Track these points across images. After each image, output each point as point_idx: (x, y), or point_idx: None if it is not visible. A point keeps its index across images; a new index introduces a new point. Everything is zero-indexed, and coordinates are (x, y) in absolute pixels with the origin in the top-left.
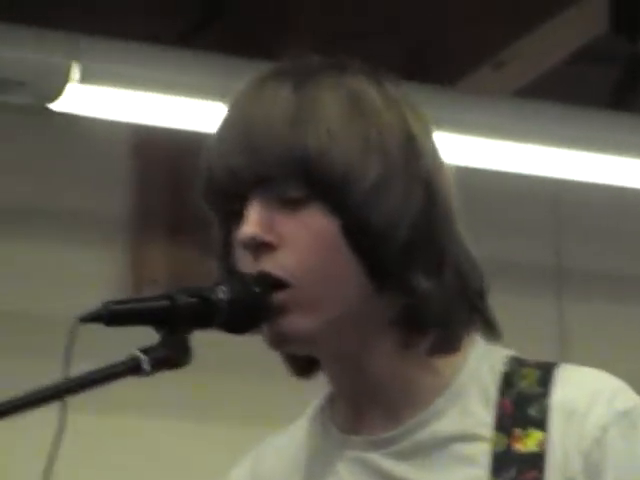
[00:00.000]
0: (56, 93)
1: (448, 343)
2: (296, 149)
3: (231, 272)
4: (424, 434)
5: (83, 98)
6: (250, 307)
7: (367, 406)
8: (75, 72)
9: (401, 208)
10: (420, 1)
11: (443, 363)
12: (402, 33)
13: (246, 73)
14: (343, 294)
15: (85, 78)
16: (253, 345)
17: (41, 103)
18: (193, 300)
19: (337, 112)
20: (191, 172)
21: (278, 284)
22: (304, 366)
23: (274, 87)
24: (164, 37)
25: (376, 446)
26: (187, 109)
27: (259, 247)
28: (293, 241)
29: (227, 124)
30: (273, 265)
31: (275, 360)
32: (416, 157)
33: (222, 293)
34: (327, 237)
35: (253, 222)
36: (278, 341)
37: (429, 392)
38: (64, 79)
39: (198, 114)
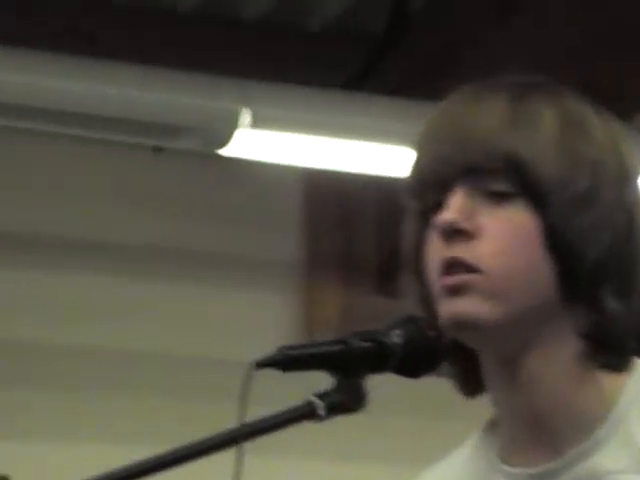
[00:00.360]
0: (226, 138)
1: (620, 364)
2: (509, 145)
3: (418, 271)
4: (585, 466)
5: (253, 143)
6: (424, 351)
7: (527, 431)
8: (245, 117)
9: (603, 225)
10: (595, 35)
11: (608, 383)
12: (577, 67)
13: (413, 115)
14: (530, 291)
15: (255, 123)
16: (428, 386)
17: (211, 148)
18: (367, 344)
19: (553, 122)
20: (361, 214)
21: (469, 269)
22: (471, 383)
23: (490, 95)
24: (331, 82)
25: (536, 479)
26: (356, 152)
27: (455, 233)
28: (491, 233)
29: (438, 119)
30: (466, 252)
31: (449, 400)
32: (624, 183)
33: (396, 337)
34: (526, 234)
35: (454, 208)
36: (456, 322)
37: (591, 417)
38: (234, 125)
39: (367, 157)
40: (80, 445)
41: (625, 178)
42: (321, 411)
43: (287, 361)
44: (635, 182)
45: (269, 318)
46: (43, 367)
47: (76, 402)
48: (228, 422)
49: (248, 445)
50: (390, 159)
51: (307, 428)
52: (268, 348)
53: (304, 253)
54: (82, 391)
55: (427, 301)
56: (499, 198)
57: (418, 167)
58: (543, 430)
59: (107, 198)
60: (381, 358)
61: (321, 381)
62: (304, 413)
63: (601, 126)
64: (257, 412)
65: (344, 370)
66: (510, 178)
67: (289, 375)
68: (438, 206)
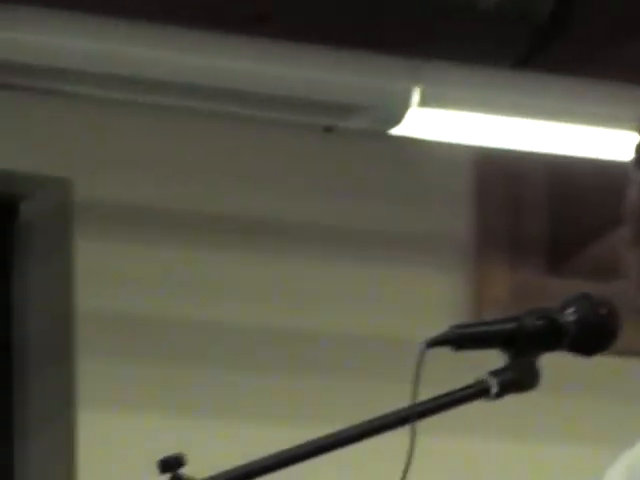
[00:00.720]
0: (398, 117)
1: None
2: None
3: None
4: None
5: (424, 122)
6: (598, 329)
7: None
8: (416, 96)
9: None
10: None
11: None
12: None
13: (583, 93)
14: None
15: (426, 102)
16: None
17: (383, 128)
18: (541, 322)
19: None
20: (531, 193)
21: None
22: None
23: None
24: (501, 60)
25: None
26: (526, 130)
27: None
28: None
29: None
30: None
31: (625, 379)
32: None
33: (569, 315)
34: None
35: None
36: None
37: None
38: (406, 104)
39: (538, 135)
40: (258, 424)
41: None
42: (494, 389)
43: (460, 339)
44: None
45: (439, 297)
46: (227, 347)
47: (251, 381)
48: (401, 401)
49: (421, 424)
50: (560, 137)
51: (480, 407)
52: (438, 327)
53: (474, 231)
54: (257, 371)
55: None
56: None
57: None
58: None
59: (278, 178)
60: (554, 336)
61: (492, 360)
62: (477, 392)
63: None
64: (429, 391)
65: (517, 348)
66: None
67: (460, 354)
68: None
